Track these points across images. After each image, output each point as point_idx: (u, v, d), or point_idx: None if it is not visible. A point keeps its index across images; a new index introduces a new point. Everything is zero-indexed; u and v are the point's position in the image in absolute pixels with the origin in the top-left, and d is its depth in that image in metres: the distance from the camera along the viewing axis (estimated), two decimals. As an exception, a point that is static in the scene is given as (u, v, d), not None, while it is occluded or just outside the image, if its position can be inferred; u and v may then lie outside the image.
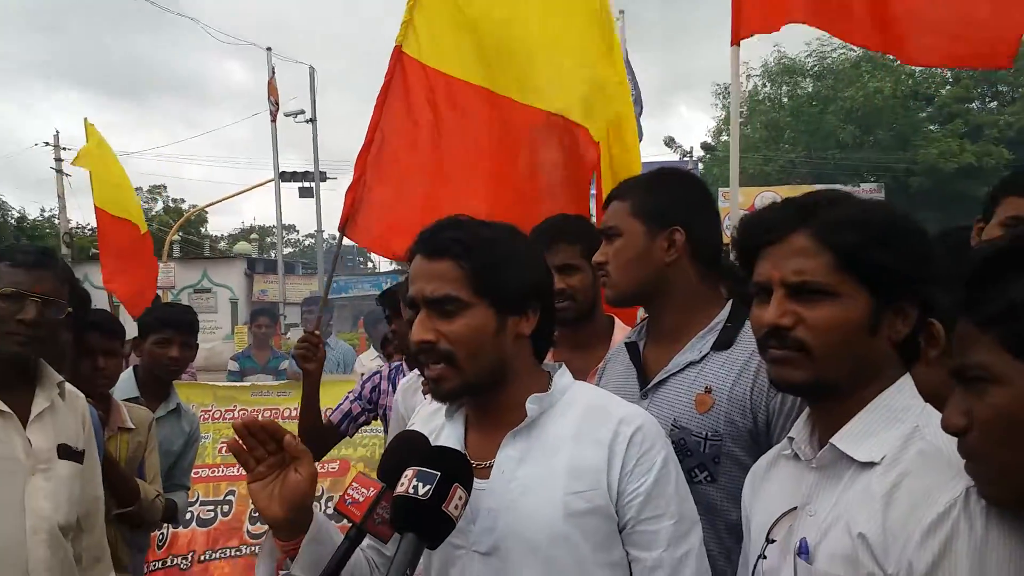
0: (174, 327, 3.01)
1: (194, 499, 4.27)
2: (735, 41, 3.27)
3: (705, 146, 28.67)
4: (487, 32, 2.98)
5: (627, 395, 1.63)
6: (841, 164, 23.94)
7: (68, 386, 2.01)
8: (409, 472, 1.12)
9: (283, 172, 19.02)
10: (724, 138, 26.70)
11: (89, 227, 25.70)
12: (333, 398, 3.14)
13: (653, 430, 1.33)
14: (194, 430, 3.21)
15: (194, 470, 3.44)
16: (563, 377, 1.40)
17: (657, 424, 1.36)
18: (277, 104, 17.14)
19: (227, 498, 4.48)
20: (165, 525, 3.77)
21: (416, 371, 2.64)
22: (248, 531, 4.40)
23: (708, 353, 1.65)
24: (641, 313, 2.12)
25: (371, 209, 2.85)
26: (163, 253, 18.82)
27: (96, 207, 5.95)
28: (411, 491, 1.10)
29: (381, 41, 2.97)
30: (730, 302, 1.72)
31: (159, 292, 12.20)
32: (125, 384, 3.02)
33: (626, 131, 3.35)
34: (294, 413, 2.99)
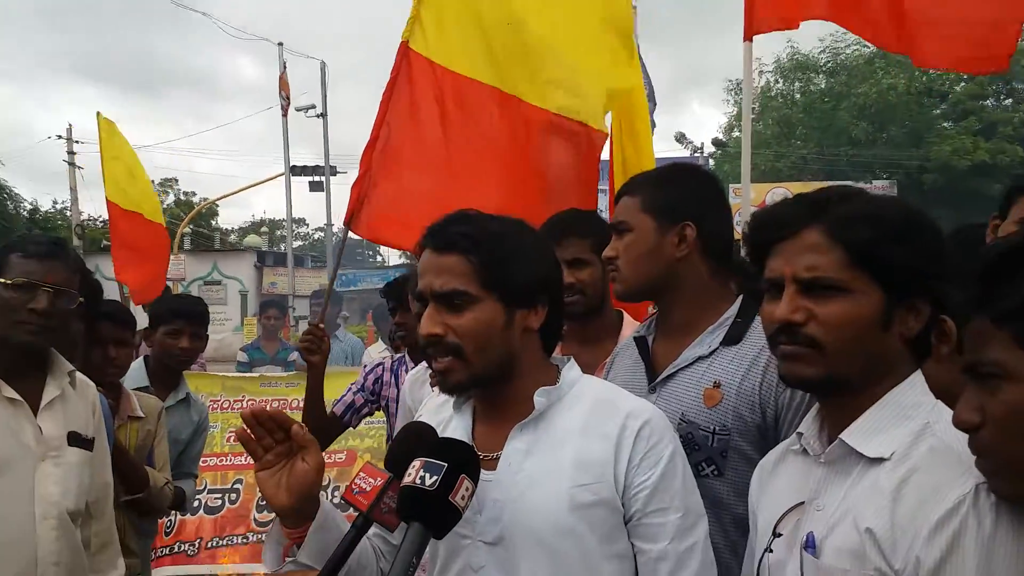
0: (185, 318, 3.04)
1: (202, 487, 4.31)
2: (748, 37, 3.25)
3: (716, 142, 28.54)
4: (495, 30, 2.97)
5: (635, 389, 1.64)
6: (853, 161, 23.79)
7: (79, 375, 2.03)
8: (416, 463, 1.13)
9: (293, 166, 19.09)
10: (735, 134, 26.57)
11: (101, 219, 25.85)
12: (339, 390, 3.15)
13: (661, 424, 1.33)
14: (203, 419, 3.24)
15: (202, 459, 3.47)
16: (571, 371, 1.40)
17: (665, 418, 1.36)
18: (288, 99, 17.20)
19: (235, 486, 4.52)
20: (173, 512, 3.80)
21: (423, 364, 2.64)
22: (255, 519, 4.43)
23: (717, 348, 1.65)
24: (652, 308, 2.12)
25: (377, 204, 2.85)
26: (174, 245, 18.91)
27: (108, 200, 6.00)
28: (418, 481, 1.10)
29: (393, 36, 2.94)
30: (740, 298, 1.72)
31: (169, 284, 12.27)
32: (136, 373, 3.05)
33: (640, 132, 3.34)
34: (302, 404, 3.02)
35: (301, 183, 20.53)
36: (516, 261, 1.31)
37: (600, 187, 3.48)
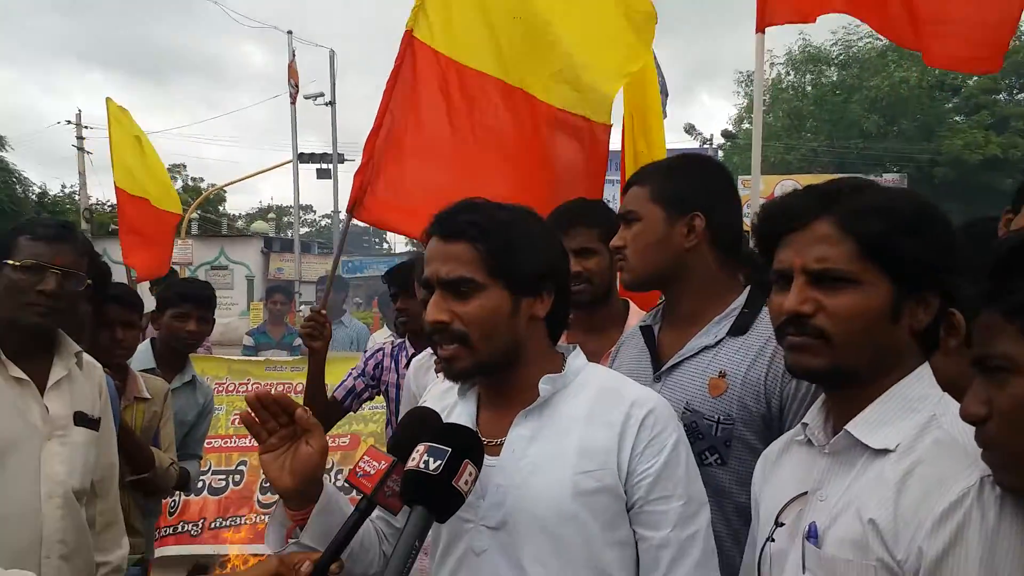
0: (192, 302, 3.07)
1: (206, 468, 4.36)
2: (760, 28, 3.23)
3: (726, 134, 28.39)
4: (500, 21, 2.96)
5: (640, 378, 1.63)
6: (864, 154, 23.67)
7: (85, 356, 2.04)
8: (421, 447, 1.13)
9: (301, 153, 19.09)
10: (745, 126, 26.46)
11: (109, 204, 25.93)
12: (343, 375, 3.17)
13: (665, 412, 1.33)
14: (208, 402, 3.27)
15: (207, 440, 3.50)
16: (577, 359, 1.40)
17: (669, 407, 1.36)
18: (297, 86, 17.17)
19: (239, 468, 4.55)
20: (177, 492, 3.84)
21: (428, 350, 2.65)
22: (258, 500, 4.47)
23: (723, 338, 1.64)
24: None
25: (380, 191, 2.85)
26: (182, 230, 18.98)
27: (116, 186, 6.04)
28: (422, 465, 1.11)
29: (402, 26, 2.94)
30: (748, 288, 1.71)
31: (177, 268, 12.31)
32: (142, 355, 3.08)
33: (652, 126, 3.33)
34: (306, 388, 3.04)
35: (309, 170, 20.56)
36: (523, 249, 1.30)
37: (609, 177, 3.47)
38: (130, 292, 2.94)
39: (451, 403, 1.42)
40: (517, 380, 1.34)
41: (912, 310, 1.13)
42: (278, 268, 22.56)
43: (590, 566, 1.26)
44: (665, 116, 4.03)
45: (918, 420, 1.10)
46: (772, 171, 21.42)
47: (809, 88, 25.58)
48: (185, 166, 38.82)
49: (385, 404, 3.18)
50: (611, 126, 3.14)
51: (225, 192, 35.30)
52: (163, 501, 3.64)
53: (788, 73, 25.98)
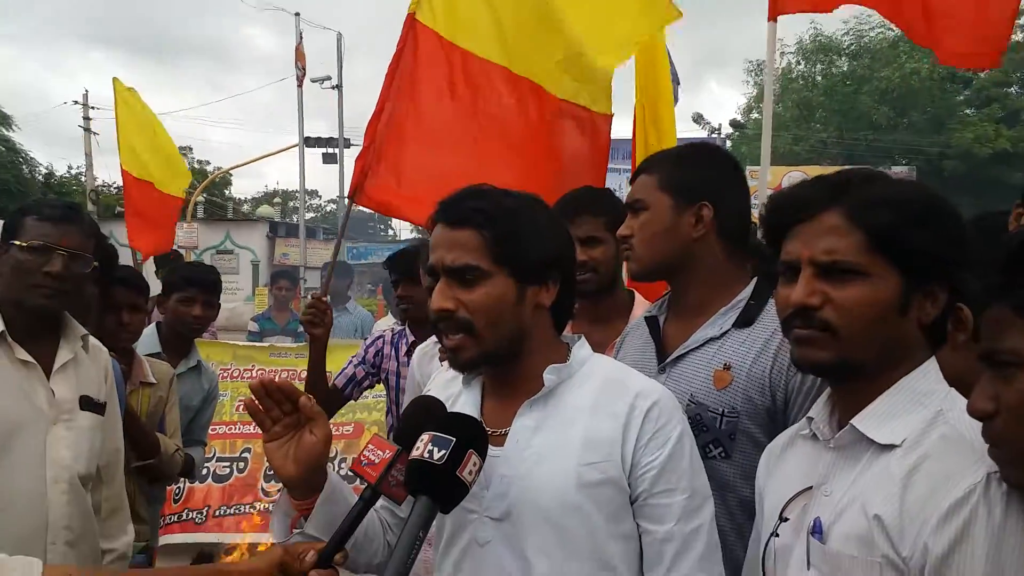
0: (198, 286, 3.06)
1: (211, 455, 4.35)
2: (773, 16, 3.20)
3: (734, 123, 28.23)
4: (504, 8, 2.93)
5: (644, 369, 1.63)
6: (873, 146, 23.52)
7: (92, 339, 2.03)
8: (425, 436, 1.13)
9: (307, 138, 19.00)
10: (754, 116, 26.30)
11: (115, 185, 25.95)
12: (344, 363, 3.16)
13: (670, 405, 1.32)
14: (213, 387, 3.27)
15: (211, 427, 3.49)
16: (582, 349, 1.39)
17: (674, 399, 1.36)
18: (304, 70, 17.08)
19: (243, 455, 4.56)
20: (181, 480, 3.84)
21: (433, 338, 2.64)
22: (263, 488, 4.48)
23: (729, 330, 1.64)
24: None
25: (381, 176, 2.83)
26: (187, 214, 18.98)
27: (122, 168, 6.05)
28: (426, 455, 1.11)
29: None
30: (754, 280, 1.70)
31: (182, 252, 12.34)
32: (148, 340, 3.07)
33: (663, 117, 3.30)
34: (312, 375, 3.03)
35: (314, 155, 20.51)
36: (529, 237, 1.29)
37: (616, 166, 3.46)
38: (136, 275, 2.93)
39: (455, 392, 1.42)
40: (522, 370, 1.33)
41: (920, 303, 1.12)
42: (283, 253, 22.58)
43: (594, 558, 1.25)
44: (676, 101, 4.00)
45: (925, 415, 1.10)
46: (780, 162, 21.29)
47: (819, 78, 25.39)
48: (191, 148, 38.83)
49: (385, 392, 3.18)
50: (612, 116, 3.13)
51: (231, 175, 35.34)
52: (167, 488, 3.65)
53: (798, 62, 25.80)
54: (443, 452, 1.10)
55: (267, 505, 4.37)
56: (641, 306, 2.21)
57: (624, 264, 1.90)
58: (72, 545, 1.83)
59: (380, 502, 1.27)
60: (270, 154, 22.24)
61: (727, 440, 1.57)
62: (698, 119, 28.04)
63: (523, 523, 1.26)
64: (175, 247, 7.25)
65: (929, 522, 0.99)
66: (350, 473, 1.23)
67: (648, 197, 1.70)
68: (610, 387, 1.33)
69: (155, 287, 3.28)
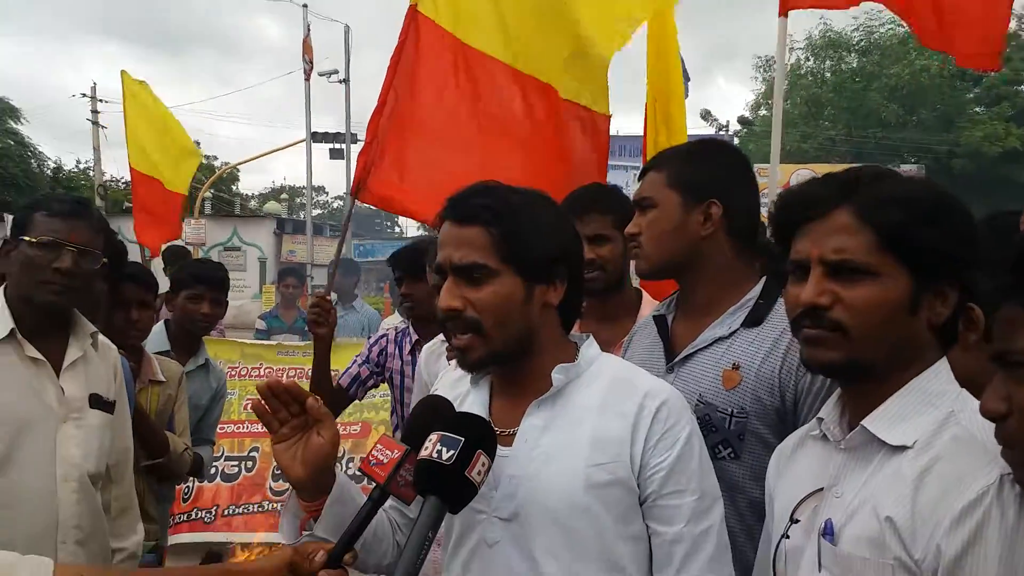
0: (206, 283, 3.05)
1: (219, 454, 4.35)
2: (783, 12, 3.18)
3: (742, 120, 28.13)
4: (507, 3, 2.91)
5: (652, 368, 1.62)
6: (882, 143, 23.38)
7: (101, 337, 2.02)
8: (433, 436, 1.13)
9: (314, 133, 18.98)
10: (763, 112, 26.18)
11: (123, 180, 25.96)
12: (349, 362, 3.16)
13: (678, 405, 1.32)
14: (221, 386, 3.26)
15: (220, 425, 3.49)
16: (590, 348, 1.39)
17: (683, 399, 1.35)
18: (311, 63, 17.05)
19: (251, 454, 4.56)
20: (191, 479, 3.84)
21: (440, 336, 2.64)
22: (271, 487, 4.48)
23: (738, 329, 1.63)
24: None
25: (384, 172, 2.81)
26: (195, 209, 19.01)
27: (130, 165, 6.07)
28: (435, 455, 1.10)
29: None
30: (763, 279, 1.69)
31: (190, 248, 12.36)
32: (156, 337, 3.07)
33: (673, 115, 3.29)
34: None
35: (322, 150, 20.48)
36: (536, 234, 1.29)
37: (624, 163, 3.46)
38: (146, 271, 2.92)
39: (463, 391, 1.42)
40: (530, 369, 1.33)
41: (931, 303, 1.11)
42: (290, 250, 22.60)
43: (602, 559, 1.25)
44: (687, 95, 3.98)
45: (936, 416, 1.09)
46: (788, 159, 21.18)
47: (828, 75, 25.24)
48: (199, 143, 38.76)
49: (390, 391, 3.17)
50: (610, 117, 3.12)
51: (238, 171, 35.35)
52: (176, 488, 3.65)
53: (807, 59, 25.65)
54: (452, 452, 1.10)
55: (275, 504, 4.37)
56: (649, 305, 2.20)
57: (631, 263, 1.89)
58: (82, 544, 1.82)
59: (389, 502, 1.27)
60: (277, 149, 22.18)
61: (736, 440, 1.56)
62: (706, 116, 27.98)
63: (531, 524, 1.26)
64: (183, 243, 7.27)
65: (942, 524, 0.98)
66: (358, 472, 1.23)
67: (657, 195, 1.69)
68: (618, 387, 1.32)
69: (163, 284, 3.28)
